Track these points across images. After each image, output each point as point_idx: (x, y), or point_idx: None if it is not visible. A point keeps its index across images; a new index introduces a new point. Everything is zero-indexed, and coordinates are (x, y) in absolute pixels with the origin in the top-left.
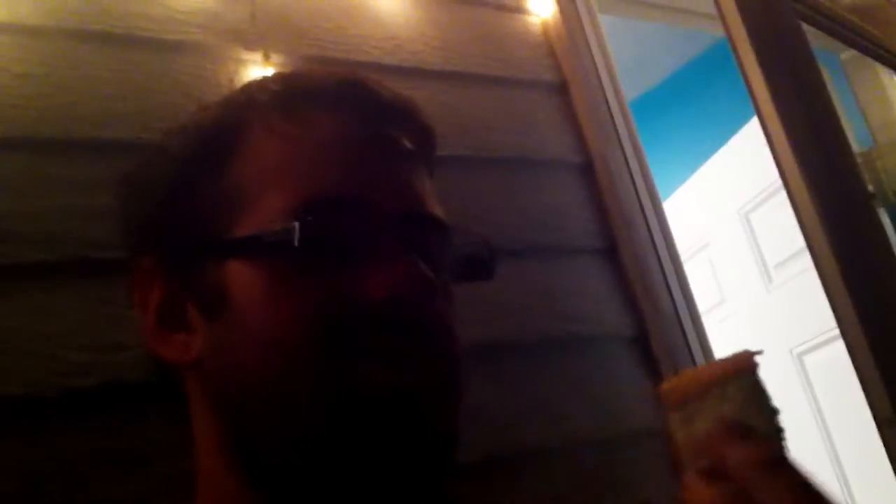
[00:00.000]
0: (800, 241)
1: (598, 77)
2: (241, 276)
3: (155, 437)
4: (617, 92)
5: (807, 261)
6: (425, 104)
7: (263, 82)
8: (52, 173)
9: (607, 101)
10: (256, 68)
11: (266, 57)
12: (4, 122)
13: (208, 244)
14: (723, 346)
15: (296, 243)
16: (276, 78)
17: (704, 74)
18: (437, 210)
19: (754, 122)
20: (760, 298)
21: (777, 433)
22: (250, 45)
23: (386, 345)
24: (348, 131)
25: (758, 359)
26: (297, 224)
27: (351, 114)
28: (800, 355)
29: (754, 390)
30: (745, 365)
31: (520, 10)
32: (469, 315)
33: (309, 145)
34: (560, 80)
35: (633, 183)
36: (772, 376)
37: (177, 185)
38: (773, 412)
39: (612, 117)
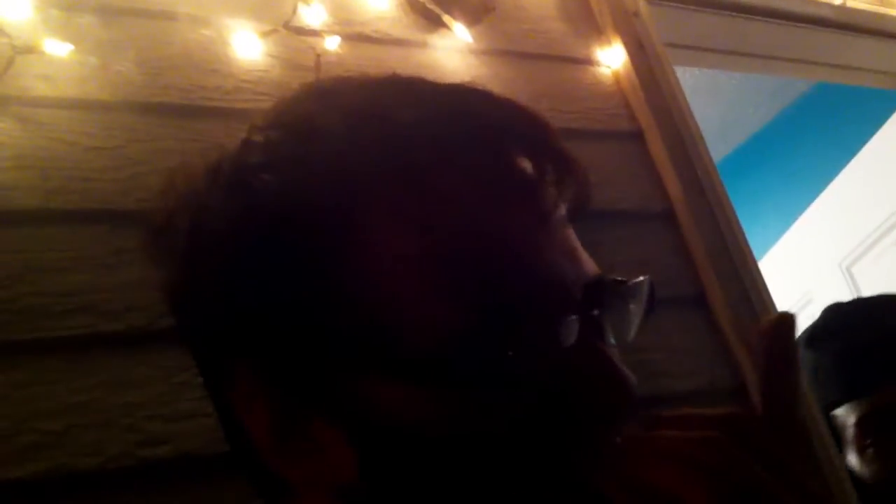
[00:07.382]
0: None
1: (675, 123)
2: (396, 398)
3: None
4: (696, 137)
5: None
6: None
7: (368, 131)
8: (128, 245)
9: (686, 147)
10: None
11: None
12: (78, 193)
13: (350, 358)
14: None
15: (469, 366)
16: (378, 124)
17: (793, 127)
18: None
19: (848, 171)
20: None
21: None
22: None
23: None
24: (489, 189)
25: None
26: (470, 345)
27: (484, 158)
28: None
29: None
30: None
31: (589, 61)
32: None
33: (448, 226)
34: (636, 128)
35: (720, 229)
36: None
37: (282, 278)
38: None
39: (692, 163)
